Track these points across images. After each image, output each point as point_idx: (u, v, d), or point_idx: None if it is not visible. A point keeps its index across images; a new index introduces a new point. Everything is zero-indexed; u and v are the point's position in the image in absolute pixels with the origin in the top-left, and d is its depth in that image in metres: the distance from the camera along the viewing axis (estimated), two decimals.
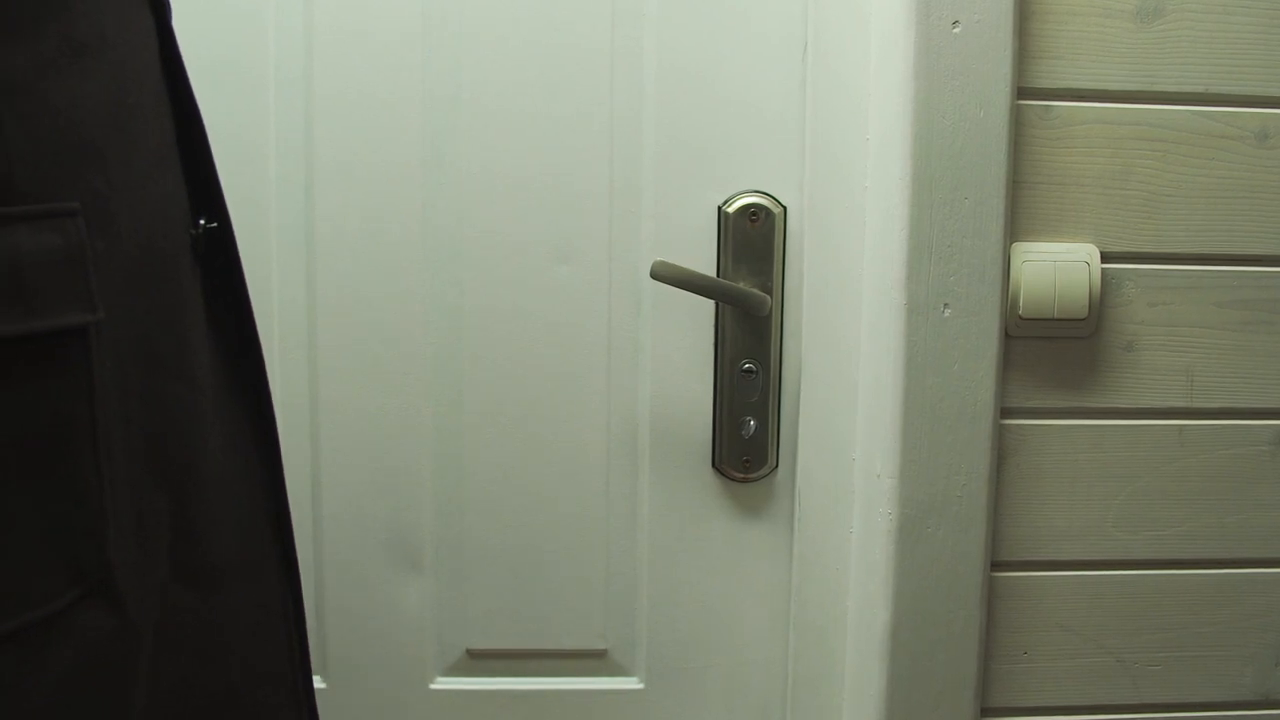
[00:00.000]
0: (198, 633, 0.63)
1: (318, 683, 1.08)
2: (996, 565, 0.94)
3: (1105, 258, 0.90)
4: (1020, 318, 0.90)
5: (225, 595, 0.64)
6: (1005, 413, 0.92)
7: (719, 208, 1.01)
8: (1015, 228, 0.90)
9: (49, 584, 0.52)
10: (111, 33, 0.55)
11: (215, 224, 0.65)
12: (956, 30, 0.86)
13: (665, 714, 1.09)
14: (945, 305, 0.89)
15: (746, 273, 0.99)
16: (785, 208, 1.01)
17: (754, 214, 0.99)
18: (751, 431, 0.99)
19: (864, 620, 0.94)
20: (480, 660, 1.09)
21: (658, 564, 1.06)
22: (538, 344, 1.03)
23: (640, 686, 1.09)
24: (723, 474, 1.04)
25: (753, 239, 1.00)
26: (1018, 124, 0.89)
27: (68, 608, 0.53)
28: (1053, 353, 0.92)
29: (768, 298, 0.99)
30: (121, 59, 0.56)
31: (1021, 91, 0.88)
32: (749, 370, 0.94)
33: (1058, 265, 0.90)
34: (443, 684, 1.09)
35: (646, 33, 1.00)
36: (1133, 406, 0.93)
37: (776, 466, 1.04)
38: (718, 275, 1.00)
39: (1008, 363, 0.91)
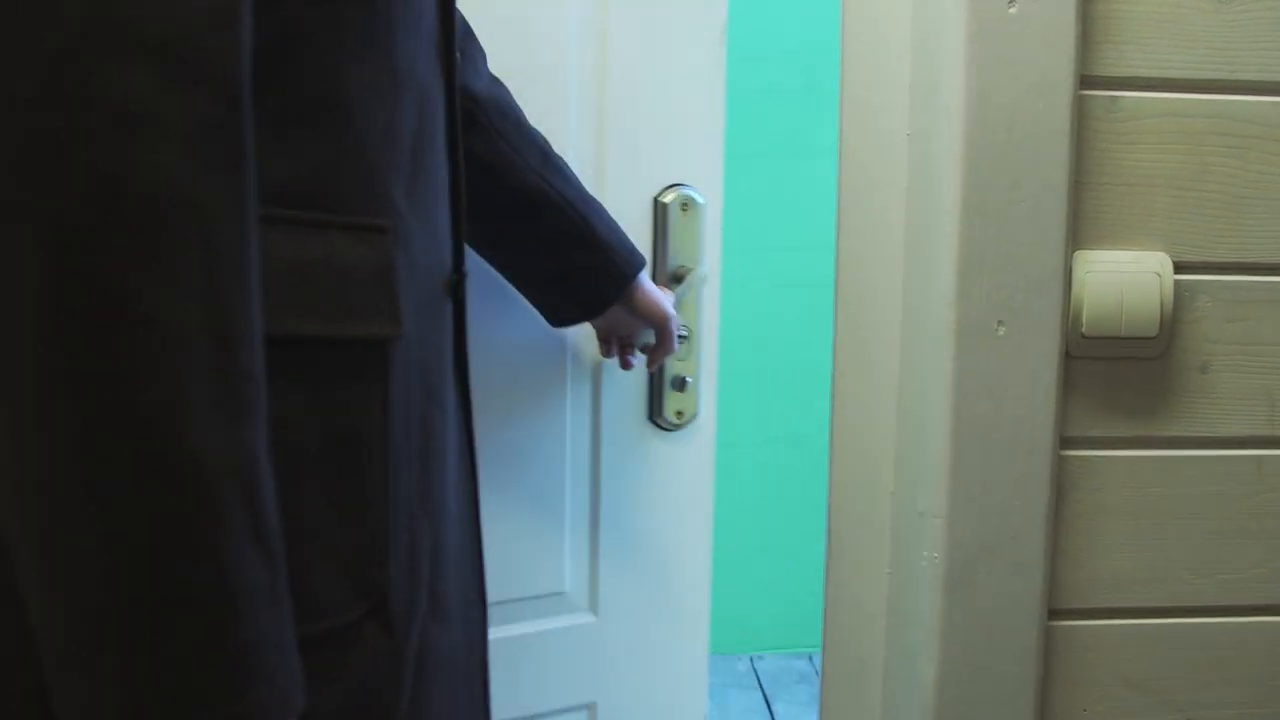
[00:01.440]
0: (437, 668, 0.63)
1: None
2: (1054, 613, 0.84)
3: (1178, 268, 0.80)
4: (1082, 336, 0.80)
5: (452, 633, 0.66)
6: (1065, 442, 0.82)
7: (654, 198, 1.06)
8: (1077, 234, 0.80)
9: (341, 597, 0.56)
10: (419, 70, 0.61)
11: (464, 270, 0.69)
12: (1013, 10, 0.76)
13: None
14: (999, 323, 0.79)
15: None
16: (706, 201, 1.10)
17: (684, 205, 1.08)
18: (684, 387, 1.10)
19: (905, 674, 0.84)
20: None
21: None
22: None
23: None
24: (657, 424, 1.11)
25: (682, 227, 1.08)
26: (1080, 117, 0.79)
27: (357, 621, 0.56)
28: (1118, 375, 0.82)
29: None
30: (424, 96, 0.61)
31: (1085, 80, 0.78)
32: (683, 336, 1.02)
33: (1125, 276, 0.80)
34: None
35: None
36: (1207, 435, 0.83)
37: (698, 415, 1.14)
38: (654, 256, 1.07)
39: (1068, 386, 0.81)
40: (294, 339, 0.54)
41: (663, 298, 0.96)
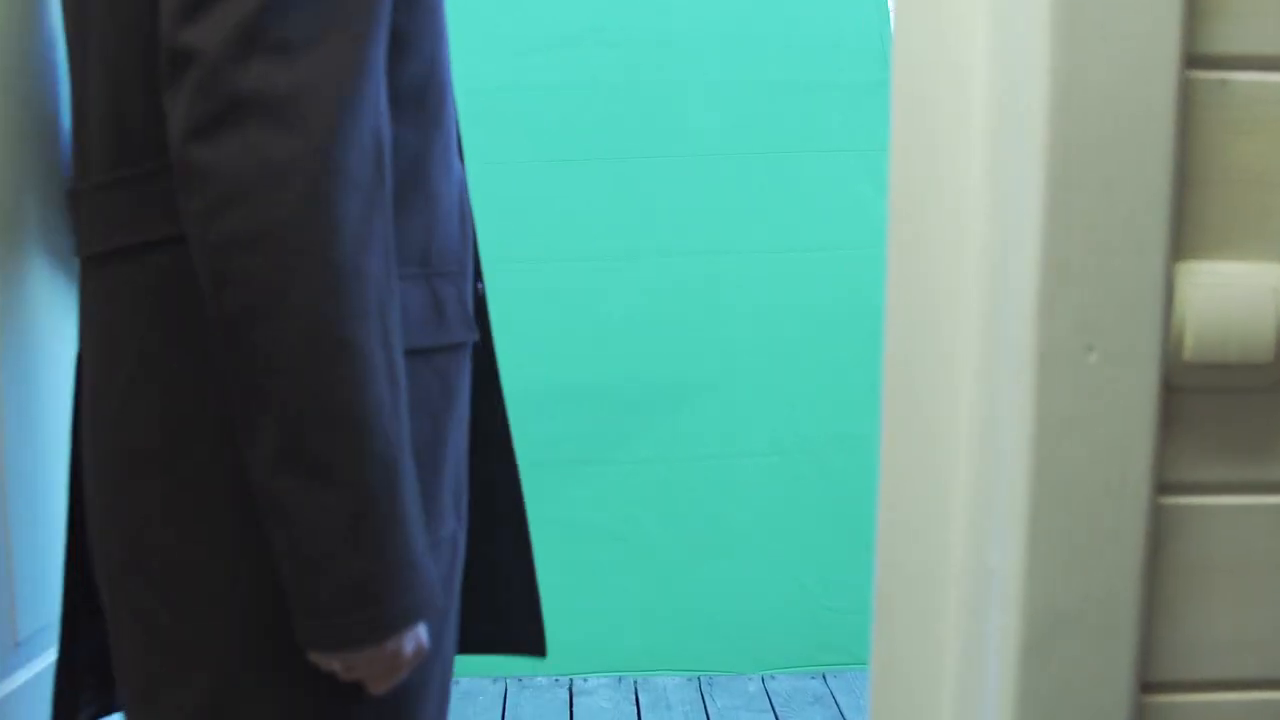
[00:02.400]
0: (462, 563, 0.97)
1: None
2: (1148, 687, 0.71)
3: None
4: (1185, 363, 0.68)
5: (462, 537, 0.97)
6: (1163, 488, 0.69)
7: None
8: (1180, 242, 0.67)
9: (450, 513, 0.92)
10: (457, 163, 0.94)
11: (482, 286, 1.01)
12: None
13: None
14: (1089, 347, 0.67)
15: None
16: None
17: None
18: None
19: None
20: None
21: None
22: None
23: None
24: None
25: None
26: (1185, 103, 0.66)
27: (456, 528, 0.93)
28: (1227, 408, 0.69)
29: None
30: (461, 182, 0.96)
31: (1191, 60, 0.66)
32: None
33: (1236, 292, 0.67)
34: None
35: None
36: None
37: None
38: None
39: (1168, 422, 0.69)
40: (429, 349, 0.87)
41: None
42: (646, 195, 2.81)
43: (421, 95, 0.85)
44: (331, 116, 0.71)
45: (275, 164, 0.70)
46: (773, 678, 2.77)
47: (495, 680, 2.77)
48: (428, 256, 0.87)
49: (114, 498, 0.84)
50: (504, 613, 1.09)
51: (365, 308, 0.74)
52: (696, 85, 2.79)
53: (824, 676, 2.76)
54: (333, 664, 0.79)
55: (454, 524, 0.92)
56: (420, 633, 0.81)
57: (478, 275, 1.00)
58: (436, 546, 0.87)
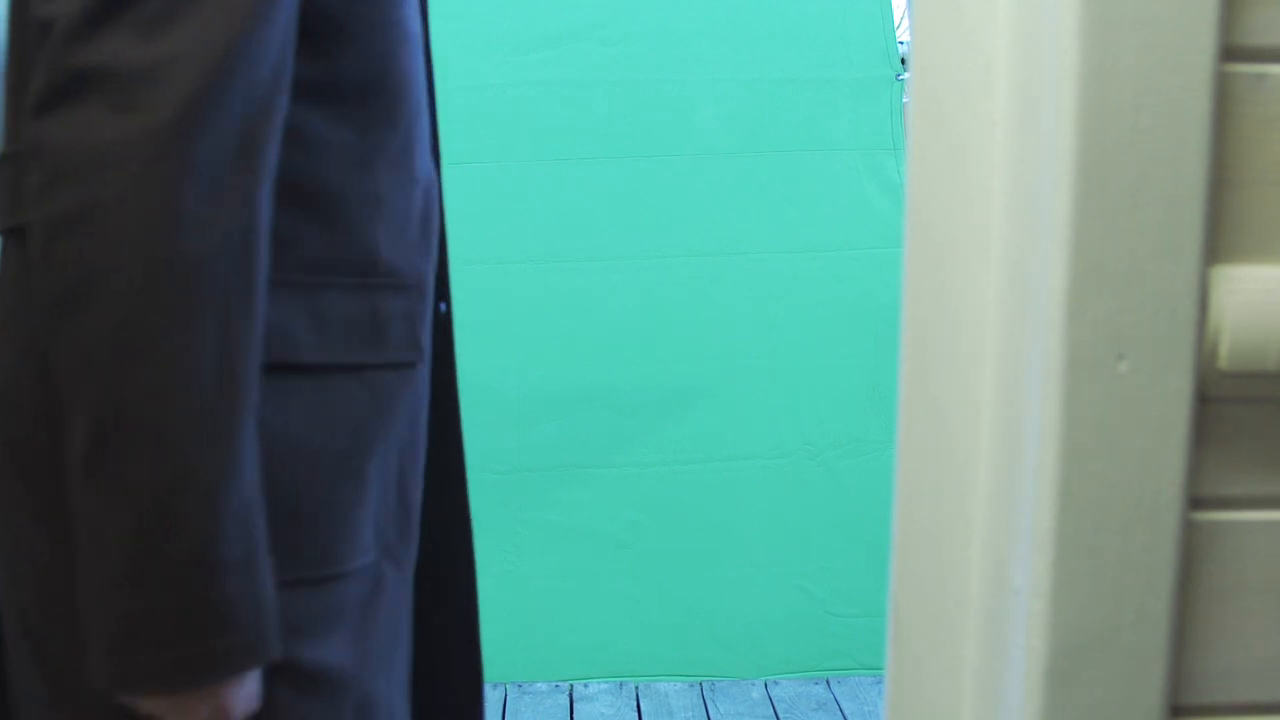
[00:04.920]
0: (403, 599, 0.87)
1: None
2: (1179, 710, 0.68)
3: None
4: (1221, 372, 0.64)
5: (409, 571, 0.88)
6: (1196, 503, 0.66)
7: None
8: (1215, 246, 0.64)
9: (369, 543, 0.82)
10: (424, 165, 0.87)
11: (446, 306, 0.94)
12: None
13: None
14: (1120, 356, 0.63)
15: None
16: None
17: None
18: None
19: None
20: None
21: None
22: None
23: None
24: None
25: None
26: (1221, 98, 0.63)
27: (379, 559, 0.83)
28: (1264, 420, 0.66)
29: None
30: (428, 183, 0.87)
31: (1227, 52, 0.62)
32: None
33: (1275, 298, 0.64)
34: None
35: None
36: None
37: None
38: None
39: (1201, 434, 0.65)
40: (359, 365, 0.80)
41: None
42: (647, 195, 2.77)
43: (363, 92, 0.79)
44: (184, 99, 0.65)
45: (104, 144, 0.65)
46: (776, 683, 2.73)
47: (494, 686, 2.73)
48: (371, 266, 0.80)
49: None
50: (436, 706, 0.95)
51: (195, 310, 0.66)
52: (698, 83, 2.76)
53: (828, 682, 2.73)
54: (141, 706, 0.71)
55: (375, 555, 0.82)
56: (249, 685, 0.71)
57: (442, 294, 0.92)
58: (340, 580, 0.79)
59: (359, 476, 0.80)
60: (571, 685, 2.76)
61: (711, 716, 2.61)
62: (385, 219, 0.81)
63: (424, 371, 0.87)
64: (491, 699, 2.70)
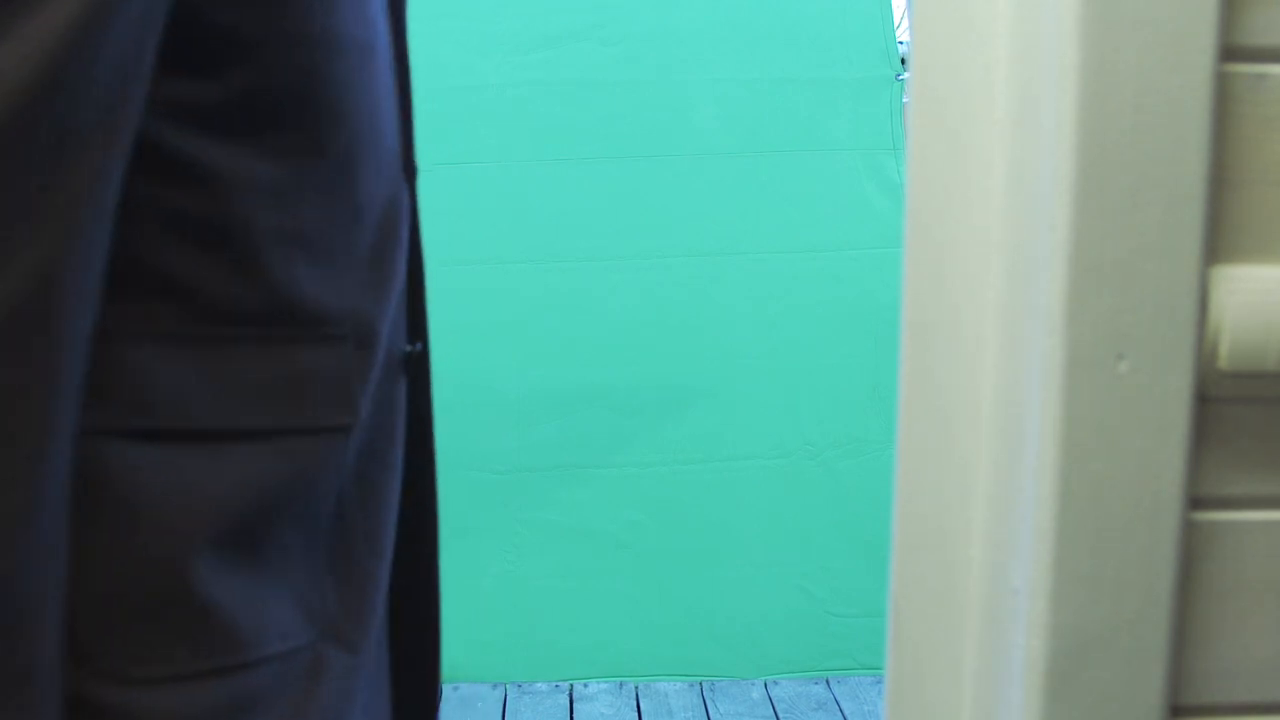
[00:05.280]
0: (358, 686, 0.78)
1: None
2: (1179, 710, 0.68)
3: None
4: (1221, 372, 0.64)
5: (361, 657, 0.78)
6: (1196, 503, 0.66)
7: None
8: (1215, 245, 0.64)
9: (287, 629, 0.70)
10: (382, 188, 0.74)
11: (421, 346, 0.83)
12: None
13: None
14: (1119, 356, 0.63)
15: None
16: None
17: None
18: None
19: None
20: None
21: None
22: None
23: None
24: None
25: None
26: (1221, 98, 0.63)
27: (315, 641, 0.72)
28: (1265, 420, 0.66)
29: None
30: (388, 204, 0.75)
31: (1227, 52, 0.62)
32: None
33: (1275, 298, 0.64)
34: None
35: None
36: None
37: None
38: None
39: (1201, 434, 0.65)
40: (269, 430, 0.69)
41: None
42: (647, 195, 2.77)
43: (274, 115, 0.68)
44: None
45: None
46: (775, 683, 2.73)
47: (494, 686, 2.74)
48: (287, 315, 0.69)
49: None
50: None
51: None
52: (698, 83, 2.76)
53: (827, 682, 2.73)
54: None
55: (309, 638, 0.73)
56: None
57: (416, 333, 0.83)
58: (246, 670, 0.70)
59: (267, 553, 0.71)
60: (571, 685, 2.76)
61: (711, 716, 2.61)
62: (310, 258, 0.70)
63: (371, 433, 0.76)
64: (491, 699, 2.70)
